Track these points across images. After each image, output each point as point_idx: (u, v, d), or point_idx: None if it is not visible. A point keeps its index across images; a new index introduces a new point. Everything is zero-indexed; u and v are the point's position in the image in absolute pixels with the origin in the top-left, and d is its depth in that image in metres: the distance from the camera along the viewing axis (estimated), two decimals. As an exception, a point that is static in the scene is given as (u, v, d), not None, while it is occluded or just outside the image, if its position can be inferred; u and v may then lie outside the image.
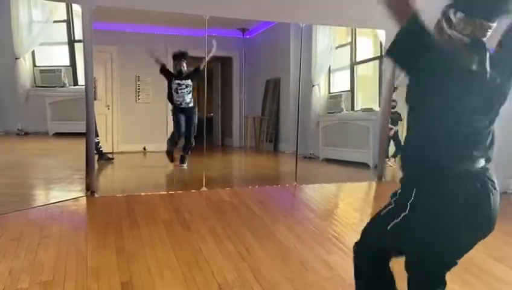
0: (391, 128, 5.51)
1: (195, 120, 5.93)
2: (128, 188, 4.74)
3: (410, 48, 1.43)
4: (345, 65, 6.47)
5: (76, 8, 4.16)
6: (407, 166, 1.54)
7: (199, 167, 5.09)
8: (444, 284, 1.59)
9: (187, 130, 5.87)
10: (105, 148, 5.98)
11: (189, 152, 5.93)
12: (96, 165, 4.71)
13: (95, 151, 4.62)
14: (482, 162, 1.46)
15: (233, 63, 8.00)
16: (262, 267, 2.63)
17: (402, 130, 5.62)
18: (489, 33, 1.42)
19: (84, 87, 4.17)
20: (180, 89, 5.75)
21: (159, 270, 2.54)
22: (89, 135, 4.21)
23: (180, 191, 4.46)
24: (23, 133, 4.22)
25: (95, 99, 4.44)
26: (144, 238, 3.05)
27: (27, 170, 4.38)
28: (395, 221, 1.50)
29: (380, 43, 5.66)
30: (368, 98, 6.32)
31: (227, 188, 4.69)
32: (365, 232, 1.70)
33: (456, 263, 1.55)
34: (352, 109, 6.27)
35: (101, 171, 5.49)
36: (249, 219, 3.60)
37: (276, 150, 7.18)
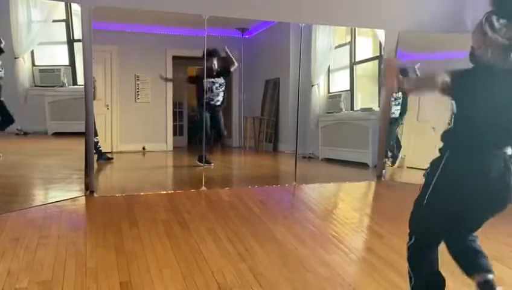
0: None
1: (222, 117, 6.02)
2: (127, 187, 4.74)
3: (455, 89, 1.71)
4: (345, 65, 6.46)
5: (76, 7, 4.16)
6: (450, 143, 1.76)
7: (199, 166, 5.08)
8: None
9: (217, 127, 5.93)
10: (104, 147, 5.95)
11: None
12: (95, 165, 4.70)
13: (94, 151, 4.61)
14: (510, 150, 1.71)
15: (233, 62, 7.99)
16: (261, 267, 2.62)
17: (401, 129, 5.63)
18: None
19: (83, 86, 4.18)
20: (215, 87, 5.82)
21: (158, 270, 2.53)
22: (88, 134, 4.21)
23: (180, 191, 4.46)
24: (22, 132, 4.21)
25: (94, 99, 4.43)
26: (143, 238, 3.05)
27: (26, 170, 4.37)
28: (428, 191, 1.75)
29: (380, 42, 5.65)
30: (367, 98, 6.31)
31: (227, 188, 4.69)
32: (410, 222, 1.90)
33: (483, 221, 1.83)
34: (352, 108, 6.26)
35: (100, 171, 5.48)
36: (249, 219, 3.59)
37: (276, 150, 7.16)
